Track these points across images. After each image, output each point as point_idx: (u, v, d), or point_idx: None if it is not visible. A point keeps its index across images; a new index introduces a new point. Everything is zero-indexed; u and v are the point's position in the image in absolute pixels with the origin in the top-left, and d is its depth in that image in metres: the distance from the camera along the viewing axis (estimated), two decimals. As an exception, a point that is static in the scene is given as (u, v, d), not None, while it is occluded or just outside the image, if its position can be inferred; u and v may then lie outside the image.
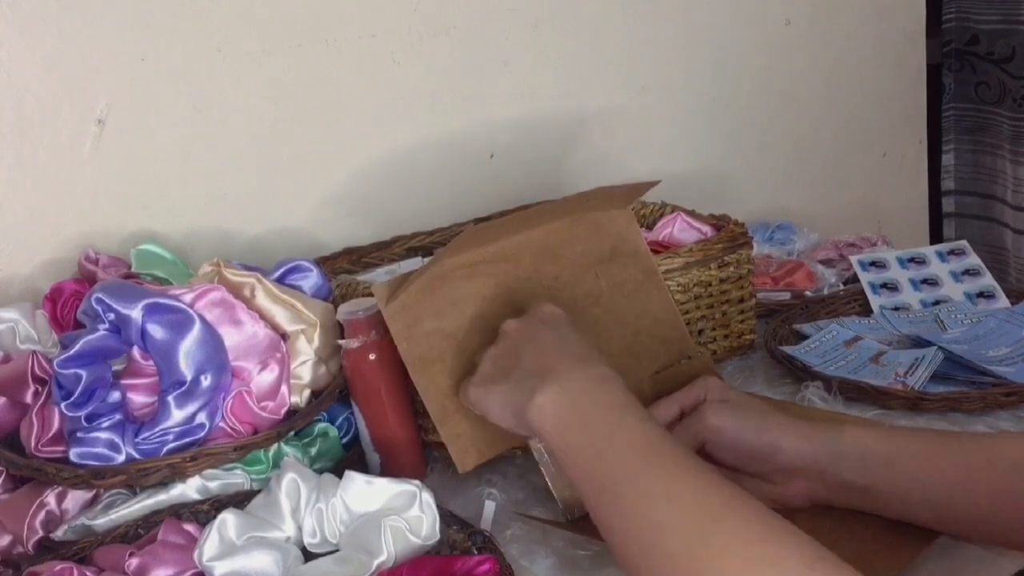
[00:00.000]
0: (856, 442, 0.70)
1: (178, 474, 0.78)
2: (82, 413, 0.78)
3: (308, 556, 0.73)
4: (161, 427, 0.79)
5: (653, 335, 0.88)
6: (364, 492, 0.73)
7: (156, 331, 0.80)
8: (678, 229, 1.05)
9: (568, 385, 0.65)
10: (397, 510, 0.72)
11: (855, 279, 1.17)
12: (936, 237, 1.90)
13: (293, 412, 0.85)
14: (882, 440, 0.70)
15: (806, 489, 0.72)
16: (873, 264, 1.18)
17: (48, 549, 0.78)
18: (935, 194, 1.88)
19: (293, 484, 0.74)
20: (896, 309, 1.10)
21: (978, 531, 0.68)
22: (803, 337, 1.05)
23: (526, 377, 0.68)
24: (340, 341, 0.84)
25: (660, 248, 1.00)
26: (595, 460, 0.61)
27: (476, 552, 0.70)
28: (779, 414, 0.74)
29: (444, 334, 0.78)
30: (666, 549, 0.55)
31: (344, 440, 0.90)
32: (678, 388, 0.79)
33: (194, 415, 0.80)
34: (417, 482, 0.73)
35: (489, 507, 0.78)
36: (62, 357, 0.78)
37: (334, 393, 0.87)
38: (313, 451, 0.86)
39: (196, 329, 0.81)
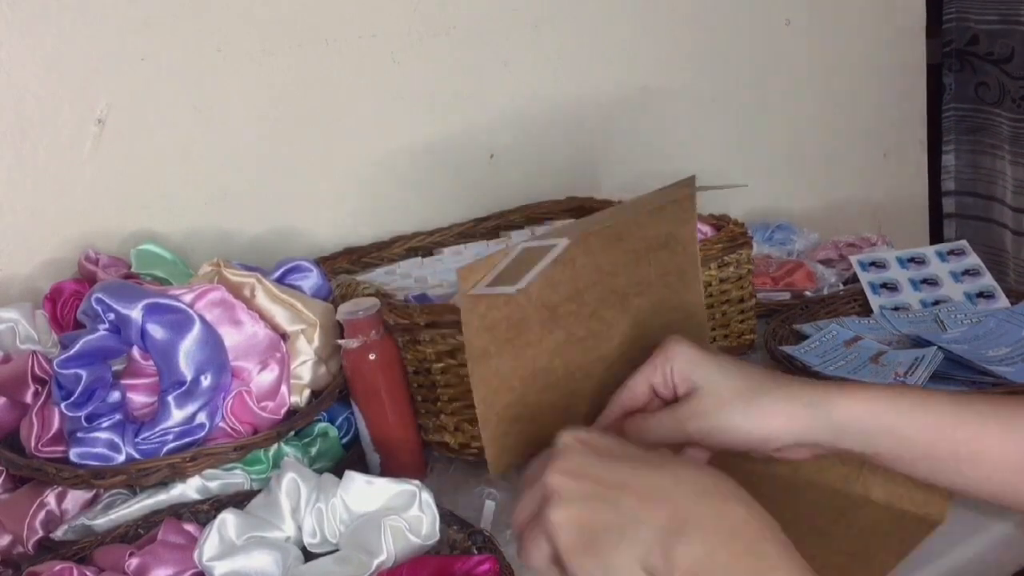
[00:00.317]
0: (854, 416, 0.65)
1: (178, 474, 0.78)
2: (82, 413, 0.78)
3: (308, 556, 0.73)
4: (161, 427, 0.79)
5: (679, 329, 0.86)
6: (364, 492, 0.73)
7: (156, 331, 0.80)
8: (678, 229, 1.05)
9: (710, 540, 0.54)
10: (397, 510, 0.72)
11: (855, 279, 1.17)
12: (937, 238, 1.90)
13: (293, 412, 0.85)
14: (883, 411, 0.65)
15: (807, 451, 0.68)
16: (873, 264, 1.18)
17: (48, 549, 0.78)
18: (935, 195, 1.88)
19: (293, 484, 0.74)
20: (896, 309, 1.10)
21: (987, 494, 0.66)
22: (803, 337, 1.05)
23: (640, 534, 0.55)
24: (340, 341, 0.84)
25: (660, 248, 1.00)
26: None
27: (476, 552, 0.70)
28: (762, 396, 0.67)
29: (510, 323, 0.73)
30: None
31: (344, 440, 0.90)
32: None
33: (194, 415, 0.80)
34: (417, 482, 0.73)
35: (489, 507, 0.78)
36: (62, 357, 0.78)
37: (334, 393, 0.87)
38: (313, 451, 0.87)
39: (196, 329, 0.81)
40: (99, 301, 0.79)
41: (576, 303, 0.76)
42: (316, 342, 0.87)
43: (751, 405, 0.66)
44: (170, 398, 0.79)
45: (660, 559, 0.54)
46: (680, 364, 0.69)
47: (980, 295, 1.11)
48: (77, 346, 0.78)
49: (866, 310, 1.12)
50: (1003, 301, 1.10)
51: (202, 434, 0.80)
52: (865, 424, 0.65)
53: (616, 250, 0.79)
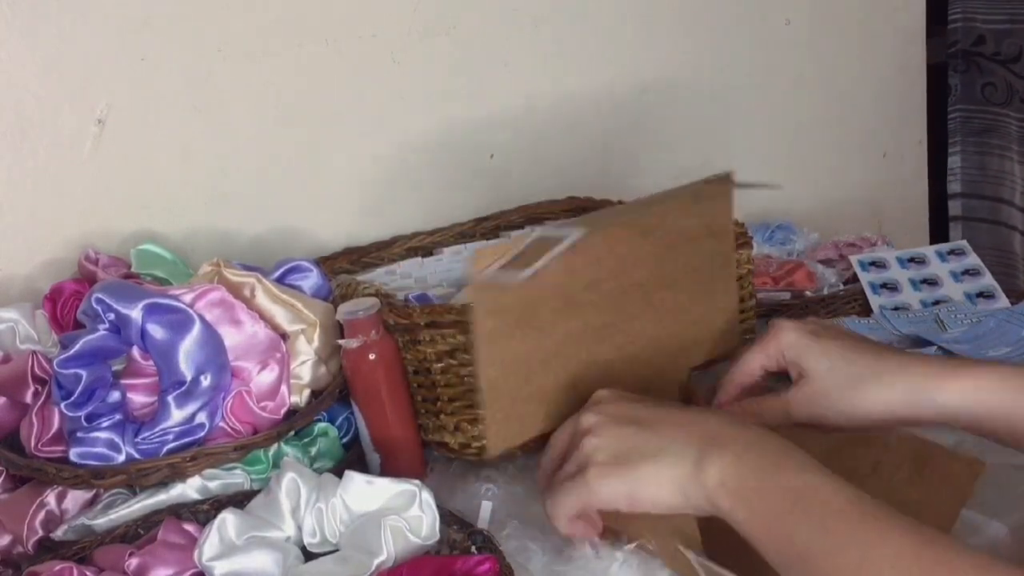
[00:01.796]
0: (960, 399, 0.65)
1: (178, 474, 0.78)
2: (82, 413, 0.78)
3: (308, 556, 0.73)
4: (161, 427, 0.79)
5: (707, 325, 0.83)
6: (364, 492, 0.73)
7: (156, 331, 0.80)
8: (678, 229, 1.05)
9: (739, 450, 0.59)
10: (397, 510, 0.72)
11: (855, 279, 1.17)
12: (942, 240, 1.89)
13: (293, 412, 0.85)
14: (991, 392, 0.64)
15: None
16: (873, 264, 1.18)
17: (48, 549, 0.78)
18: (941, 197, 1.87)
19: (293, 484, 0.74)
20: (896, 309, 1.10)
21: None
22: (803, 337, 1.05)
23: (673, 450, 0.61)
24: (340, 341, 0.84)
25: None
26: (793, 528, 0.56)
27: (476, 552, 0.71)
28: (864, 383, 0.68)
29: (518, 308, 0.72)
30: None
31: (344, 440, 0.90)
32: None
33: (194, 415, 0.80)
34: (417, 482, 0.73)
35: (486, 507, 0.78)
36: (62, 357, 0.78)
37: (334, 393, 0.87)
38: (313, 451, 0.87)
39: (196, 329, 0.81)
40: (99, 301, 0.79)
41: (595, 293, 0.76)
42: (316, 342, 0.87)
43: (854, 392, 0.68)
44: (170, 398, 0.79)
45: (693, 479, 0.59)
46: (790, 352, 0.72)
47: (980, 295, 1.11)
48: (77, 346, 0.78)
49: (866, 310, 1.12)
50: (1003, 301, 1.10)
51: (202, 434, 0.80)
52: (973, 406, 0.64)
53: (642, 243, 0.79)
